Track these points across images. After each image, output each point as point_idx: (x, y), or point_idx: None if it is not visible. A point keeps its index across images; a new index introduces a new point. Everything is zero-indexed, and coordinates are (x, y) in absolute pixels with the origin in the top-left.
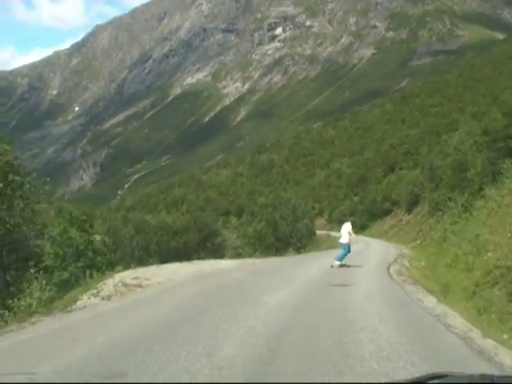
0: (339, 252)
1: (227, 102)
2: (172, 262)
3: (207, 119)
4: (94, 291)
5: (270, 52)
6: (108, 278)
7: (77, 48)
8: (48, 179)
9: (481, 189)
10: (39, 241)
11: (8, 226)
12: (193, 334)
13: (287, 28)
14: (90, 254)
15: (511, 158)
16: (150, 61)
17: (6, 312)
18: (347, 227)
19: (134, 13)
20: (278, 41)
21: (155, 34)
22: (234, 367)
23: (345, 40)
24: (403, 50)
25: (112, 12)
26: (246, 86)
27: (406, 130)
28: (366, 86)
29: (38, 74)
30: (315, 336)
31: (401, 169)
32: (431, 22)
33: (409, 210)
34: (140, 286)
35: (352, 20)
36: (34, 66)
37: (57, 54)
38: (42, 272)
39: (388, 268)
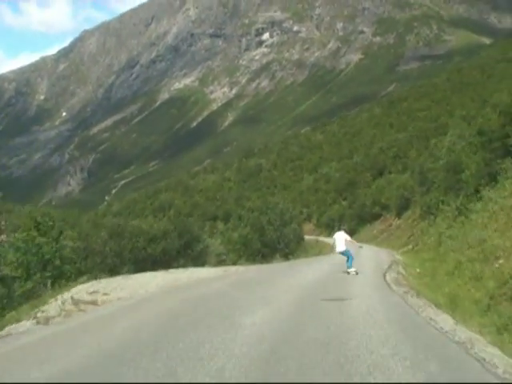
0: (343, 260)
1: (214, 107)
2: (148, 270)
3: (195, 124)
4: (37, 310)
5: (257, 57)
6: (64, 292)
7: (64, 53)
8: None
9: (477, 191)
10: None
11: None
12: None
13: (274, 33)
14: (58, 262)
15: (511, 157)
16: (138, 66)
17: None
18: (343, 236)
19: (122, 18)
20: (266, 46)
21: (143, 39)
22: None
23: (332, 45)
24: (390, 55)
25: (100, 17)
26: (234, 91)
27: (394, 134)
28: (354, 90)
29: (25, 79)
30: None
31: (390, 173)
32: (418, 26)
33: (399, 214)
34: (95, 302)
35: (339, 25)
36: (21, 71)
37: (44, 59)
38: None
39: (384, 276)
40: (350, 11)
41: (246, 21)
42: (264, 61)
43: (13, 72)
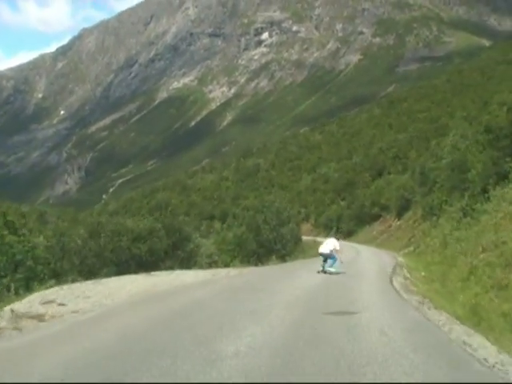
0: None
1: (213, 106)
2: (132, 272)
3: (193, 124)
4: None
5: (256, 57)
6: (15, 302)
7: (63, 51)
8: None
9: (484, 191)
10: None
11: None
12: None
13: (274, 33)
14: (31, 262)
15: None
16: (136, 65)
17: None
18: (332, 242)
19: (121, 16)
20: (265, 46)
21: (141, 38)
22: None
23: (331, 45)
24: (390, 56)
25: (98, 16)
26: (233, 91)
27: (393, 135)
28: (353, 91)
29: (23, 77)
30: None
31: (389, 173)
32: (418, 28)
33: (399, 215)
34: (42, 317)
35: (339, 26)
36: (19, 69)
37: (42, 57)
38: None
39: (390, 281)
40: (349, 12)
41: (246, 20)
42: (263, 61)
43: (11, 70)
